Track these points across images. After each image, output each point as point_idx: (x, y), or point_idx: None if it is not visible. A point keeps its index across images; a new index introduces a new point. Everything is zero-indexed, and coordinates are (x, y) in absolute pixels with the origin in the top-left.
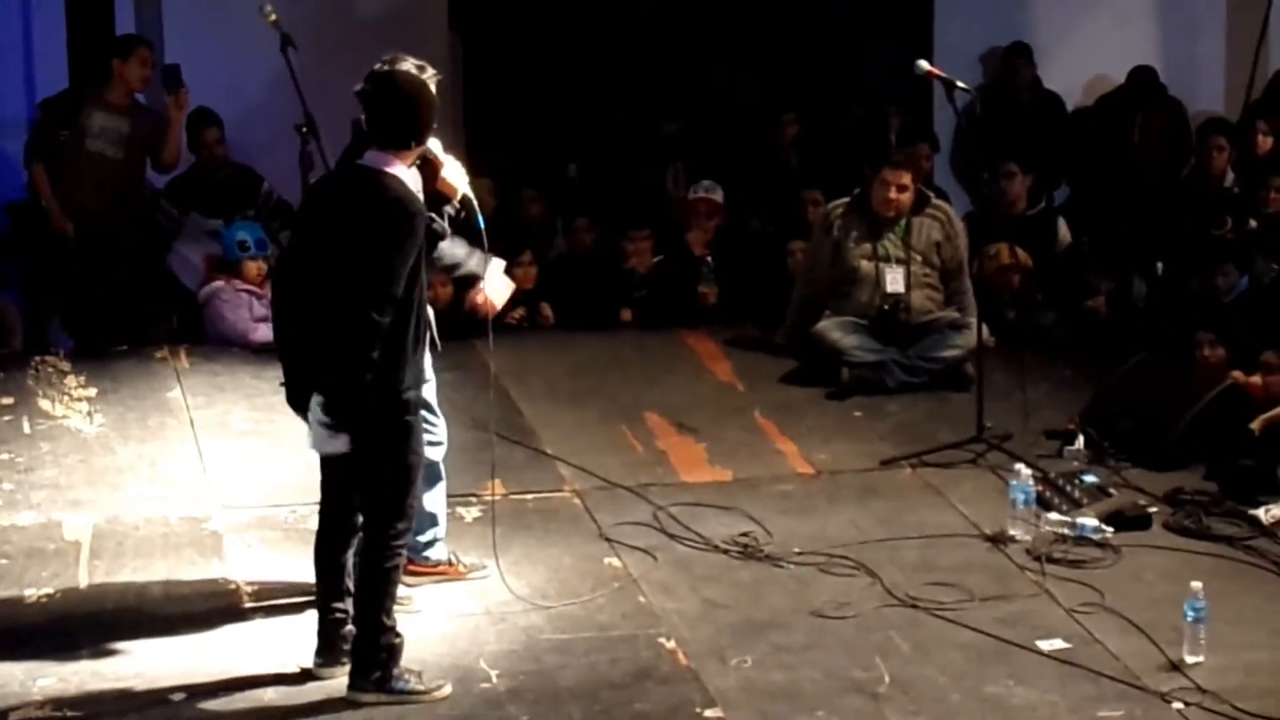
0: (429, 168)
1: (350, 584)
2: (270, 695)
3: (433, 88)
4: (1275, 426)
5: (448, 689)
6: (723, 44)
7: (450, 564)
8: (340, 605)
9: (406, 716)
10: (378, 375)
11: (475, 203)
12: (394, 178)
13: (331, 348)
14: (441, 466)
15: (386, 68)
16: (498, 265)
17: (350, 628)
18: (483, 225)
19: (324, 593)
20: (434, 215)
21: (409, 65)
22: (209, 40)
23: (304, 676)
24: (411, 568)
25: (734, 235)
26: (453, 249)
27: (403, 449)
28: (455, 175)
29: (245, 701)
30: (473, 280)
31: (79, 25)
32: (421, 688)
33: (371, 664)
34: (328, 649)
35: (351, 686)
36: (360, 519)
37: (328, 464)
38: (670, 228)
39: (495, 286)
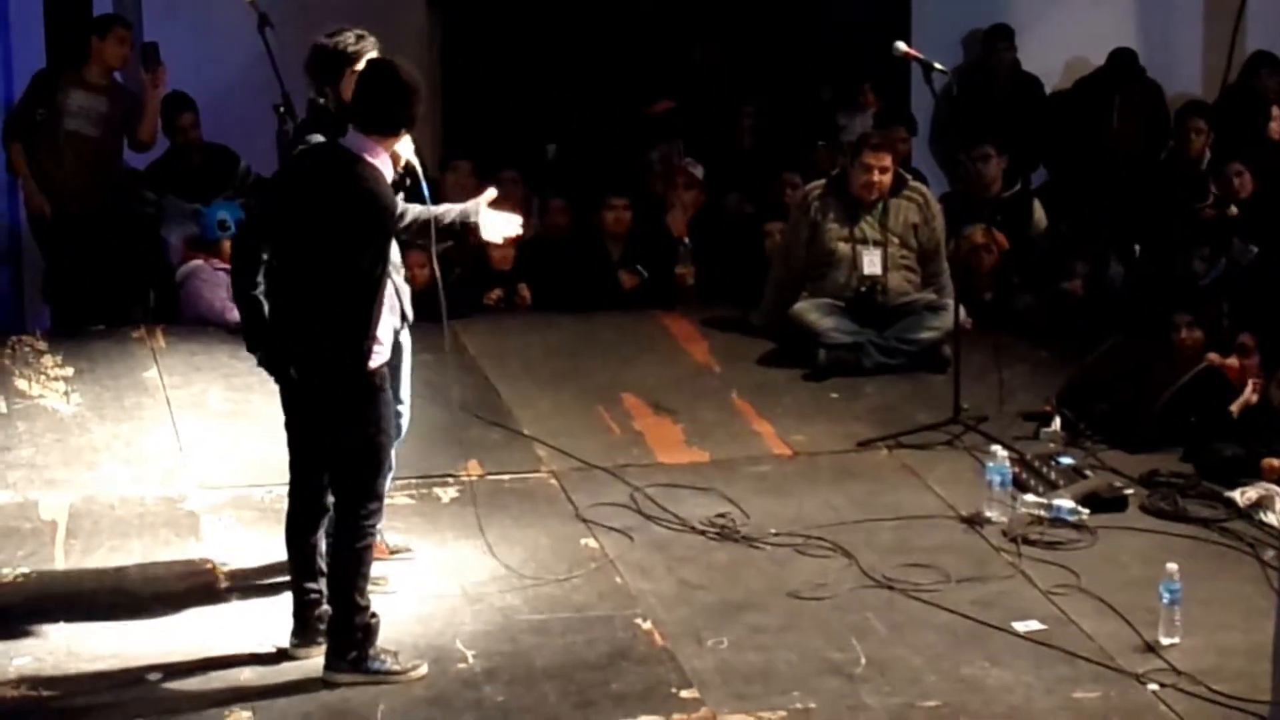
0: None
1: (323, 564)
2: (246, 675)
3: (373, 56)
4: (1253, 409)
5: (424, 669)
6: (698, 24)
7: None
8: (314, 585)
9: (382, 696)
10: (345, 346)
11: (420, 170)
12: (371, 167)
13: (300, 320)
14: (393, 454)
15: (329, 40)
16: (483, 204)
17: (325, 608)
18: (427, 192)
19: (297, 573)
20: None
21: (350, 36)
22: (187, 19)
23: (280, 656)
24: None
25: (712, 216)
26: (432, 208)
27: (371, 429)
28: (402, 144)
29: (221, 681)
30: (467, 228)
31: (57, 4)
32: (398, 668)
33: (347, 644)
34: (303, 629)
35: (328, 667)
36: (330, 499)
37: (296, 445)
38: (650, 207)
39: (493, 223)
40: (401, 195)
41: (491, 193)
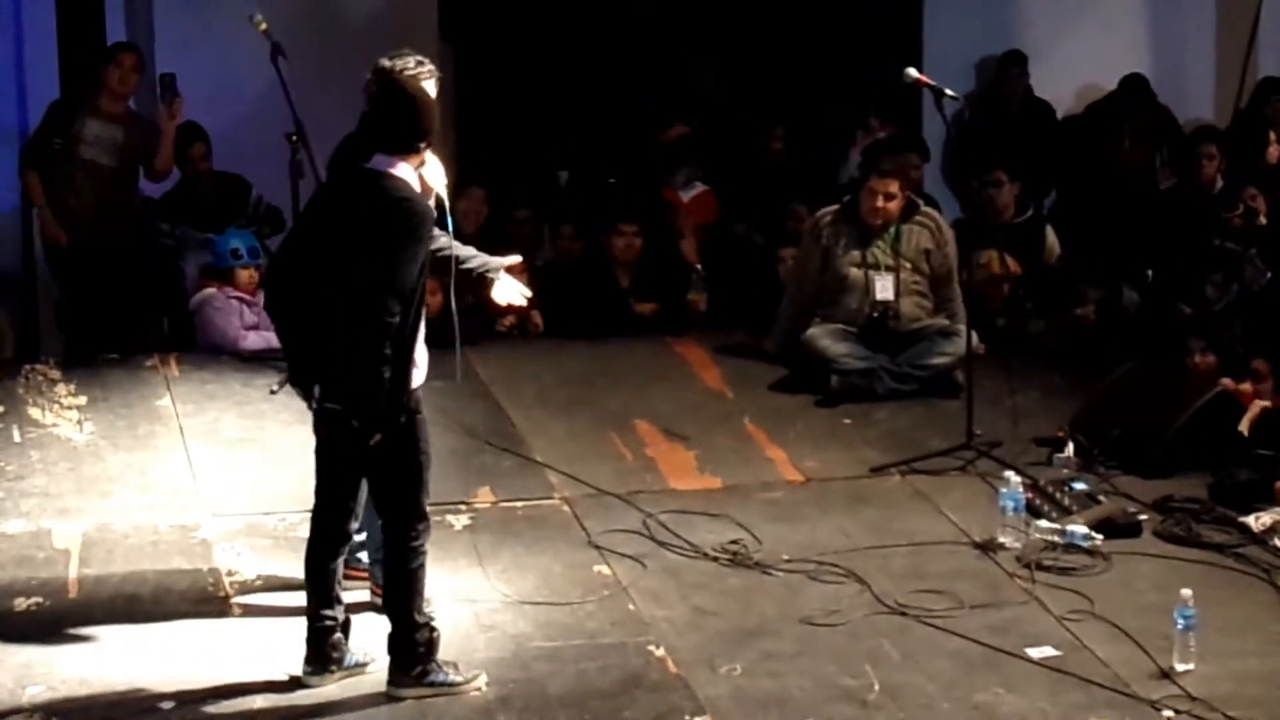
0: None
1: (340, 591)
2: (259, 703)
3: (433, 86)
4: (1264, 423)
5: (484, 679)
6: (712, 51)
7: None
8: (330, 613)
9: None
10: (392, 373)
11: (447, 204)
12: (399, 179)
13: (342, 348)
14: None
15: (388, 63)
16: (504, 265)
17: (339, 635)
18: (450, 226)
19: (313, 600)
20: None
21: (410, 61)
22: (200, 48)
23: (293, 684)
24: (351, 571)
25: (724, 243)
26: (460, 246)
27: (412, 449)
28: (434, 175)
29: (234, 709)
30: (483, 278)
31: (70, 34)
32: (460, 679)
33: (411, 660)
34: (316, 656)
35: (391, 682)
36: (353, 526)
37: (326, 470)
38: (662, 234)
39: (505, 289)
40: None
41: (516, 259)
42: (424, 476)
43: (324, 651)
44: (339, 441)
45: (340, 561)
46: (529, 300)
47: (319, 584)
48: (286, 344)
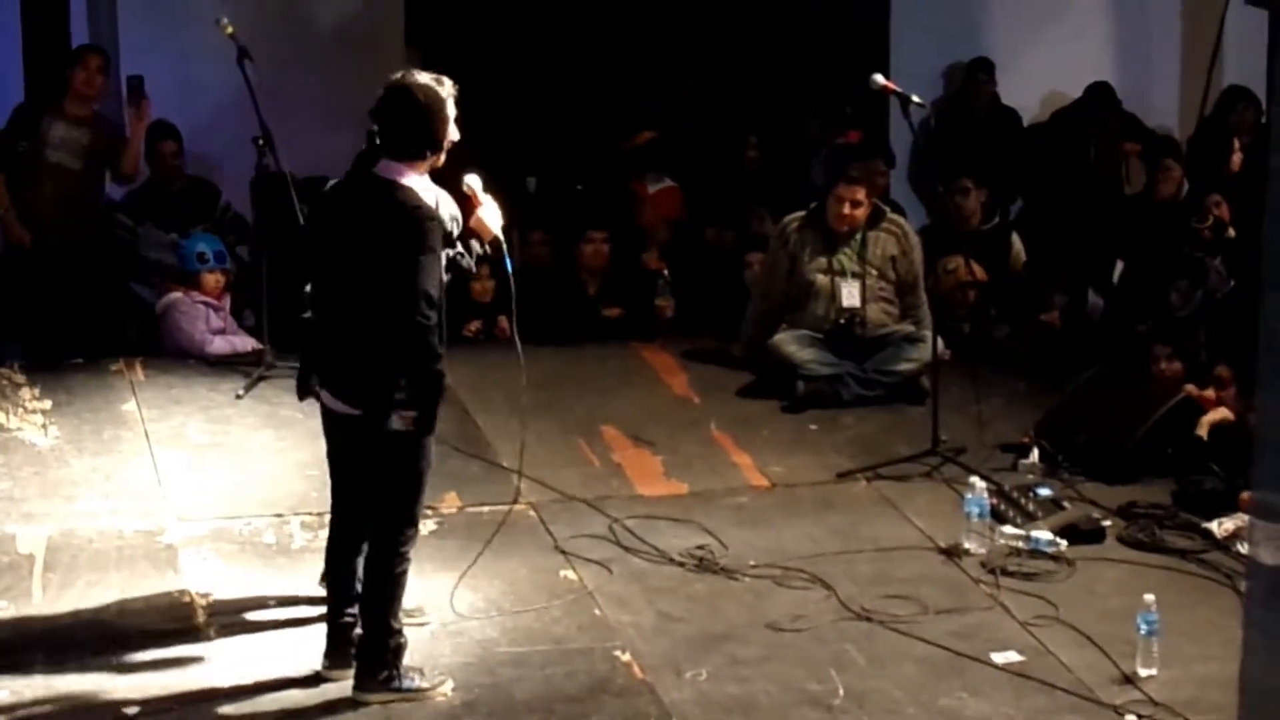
0: (466, 204)
1: (360, 589)
2: (225, 708)
3: (451, 100)
4: (1221, 430)
5: (450, 684)
6: (680, 57)
7: None
8: (351, 610)
9: None
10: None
11: (505, 246)
12: (406, 188)
13: (380, 353)
14: None
15: (402, 79)
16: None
17: (358, 631)
18: (510, 269)
19: (334, 598)
20: (464, 251)
21: (425, 79)
22: (165, 51)
23: (259, 689)
24: None
25: (691, 248)
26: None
27: (416, 458)
28: (491, 216)
29: (199, 714)
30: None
31: (35, 37)
32: (426, 685)
33: (379, 664)
34: (335, 651)
35: (358, 687)
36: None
37: (339, 473)
38: (629, 240)
39: (490, 214)
40: (475, 262)
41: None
42: (422, 485)
43: (343, 647)
44: (352, 444)
45: (360, 560)
46: (496, 306)
47: (339, 583)
48: (308, 348)
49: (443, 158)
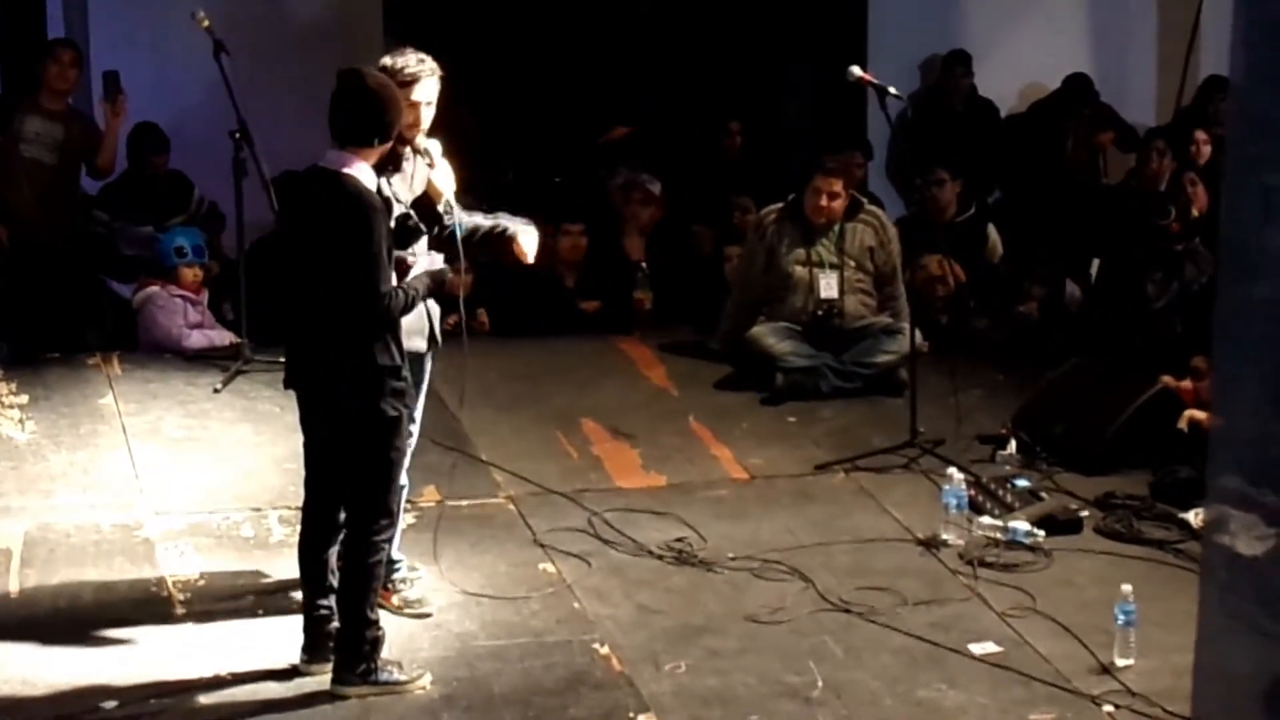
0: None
1: (334, 580)
2: (202, 701)
3: (434, 84)
4: (1201, 426)
5: (428, 678)
6: (658, 50)
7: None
8: (325, 602)
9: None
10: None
11: (455, 209)
12: (351, 177)
13: (337, 337)
14: (404, 474)
15: (388, 61)
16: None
17: (335, 624)
18: (459, 234)
19: (308, 590)
20: (410, 213)
21: (410, 59)
22: (139, 45)
23: (236, 681)
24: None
25: (670, 241)
26: (473, 219)
27: (385, 445)
28: (443, 180)
29: (177, 709)
30: (502, 238)
31: (9, 31)
32: (404, 678)
33: (356, 657)
34: (313, 645)
35: (336, 680)
36: (343, 518)
37: (312, 463)
38: (607, 232)
39: (528, 239)
40: (435, 231)
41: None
42: (394, 474)
43: (320, 640)
44: (328, 432)
45: (333, 552)
46: (473, 300)
47: (312, 575)
48: (288, 341)
49: (409, 148)
